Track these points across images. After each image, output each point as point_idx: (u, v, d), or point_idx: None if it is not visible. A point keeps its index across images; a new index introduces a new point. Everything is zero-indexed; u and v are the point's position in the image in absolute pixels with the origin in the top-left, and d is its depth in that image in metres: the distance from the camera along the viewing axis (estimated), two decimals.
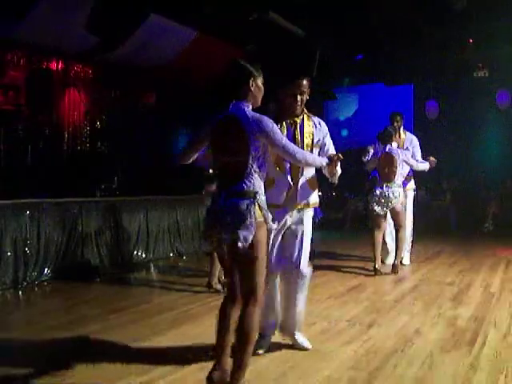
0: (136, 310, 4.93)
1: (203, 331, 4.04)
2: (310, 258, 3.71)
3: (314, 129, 3.64)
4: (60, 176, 9.12)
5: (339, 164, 3.39)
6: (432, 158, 6.93)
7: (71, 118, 10.87)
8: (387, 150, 6.56)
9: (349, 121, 14.94)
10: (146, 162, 11.22)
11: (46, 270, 6.16)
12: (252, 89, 2.88)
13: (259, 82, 2.92)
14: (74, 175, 9.29)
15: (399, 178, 6.62)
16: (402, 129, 7.30)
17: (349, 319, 4.45)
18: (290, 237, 3.63)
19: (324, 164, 3.31)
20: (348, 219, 12.84)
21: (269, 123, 2.79)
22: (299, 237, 3.61)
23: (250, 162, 2.75)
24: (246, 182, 2.75)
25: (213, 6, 8.90)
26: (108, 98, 11.42)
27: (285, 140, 2.91)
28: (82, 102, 11.06)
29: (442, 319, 4.48)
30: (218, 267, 5.46)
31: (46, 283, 6.08)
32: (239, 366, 2.73)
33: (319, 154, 3.64)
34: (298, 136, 3.57)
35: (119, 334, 4.11)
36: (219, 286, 5.51)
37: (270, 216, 2.82)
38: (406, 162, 6.67)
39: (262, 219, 2.76)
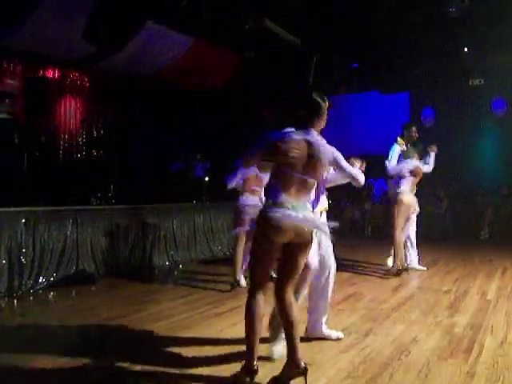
0: (131, 318, 4.90)
1: (199, 340, 4.04)
2: None
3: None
4: (56, 184, 9.10)
5: None
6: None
7: (67, 126, 10.88)
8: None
9: (345, 128, 14.96)
10: (141, 170, 11.21)
11: (41, 278, 6.14)
12: (322, 121, 3.29)
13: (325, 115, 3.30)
14: (70, 183, 9.28)
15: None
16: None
17: (345, 328, 4.43)
18: None
19: None
20: (345, 227, 12.82)
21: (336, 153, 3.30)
22: None
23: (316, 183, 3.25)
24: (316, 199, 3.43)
25: (209, 14, 8.92)
26: (104, 105, 11.42)
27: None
28: (78, 110, 11.07)
29: (439, 327, 4.47)
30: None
31: (41, 291, 6.05)
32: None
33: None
34: None
35: (113, 343, 4.10)
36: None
37: None
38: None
39: None
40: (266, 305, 3.19)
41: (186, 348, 3.89)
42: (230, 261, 7.06)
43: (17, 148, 9.43)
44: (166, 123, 11.89)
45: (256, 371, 3.14)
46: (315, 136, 3.20)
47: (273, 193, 3.15)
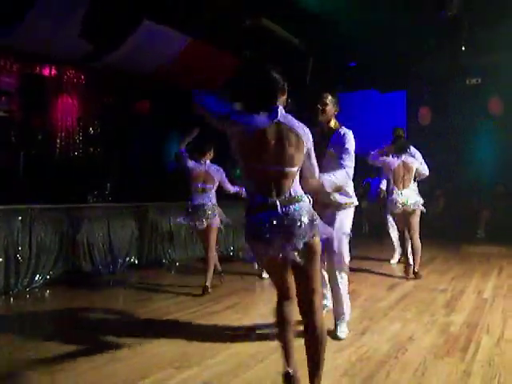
0: (128, 316, 4.90)
1: (191, 341, 4.03)
2: None
3: (332, 137, 3.99)
4: (52, 182, 9.08)
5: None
6: None
7: (64, 124, 10.83)
8: (403, 159, 6.81)
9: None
10: (138, 168, 11.19)
11: (37, 276, 6.13)
12: (284, 98, 2.88)
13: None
14: (67, 181, 9.25)
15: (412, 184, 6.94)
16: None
17: None
18: None
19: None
20: None
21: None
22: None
23: (297, 173, 2.80)
24: (296, 188, 2.76)
25: (207, 13, 8.91)
26: (101, 103, 11.39)
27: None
28: (75, 108, 11.03)
29: (435, 326, 4.47)
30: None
31: (37, 290, 6.04)
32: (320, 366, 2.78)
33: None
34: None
35: (108, 341, 4.09)
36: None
37: None
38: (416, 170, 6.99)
39: None
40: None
41: (182, 347, 3.90)
42: (227, 259, 7.08)
43: (13, 146, 9.41)
44: (164, 121, 11.85)
45: (292, 378, 2.80)
46: (290, 117, 2.82)
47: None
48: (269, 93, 2.82)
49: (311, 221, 2.69)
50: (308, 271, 2.74)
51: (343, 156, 3.79)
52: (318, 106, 4.04)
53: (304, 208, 2.70)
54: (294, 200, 2.70)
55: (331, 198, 3.97)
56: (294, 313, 2.90)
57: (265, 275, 6.45)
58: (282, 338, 2.90)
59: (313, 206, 2.81)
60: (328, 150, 3.89)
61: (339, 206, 4.04)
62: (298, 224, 2.64)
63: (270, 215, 2.65)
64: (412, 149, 7.37)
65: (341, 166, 3.70)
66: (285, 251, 2.67)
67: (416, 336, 4.15)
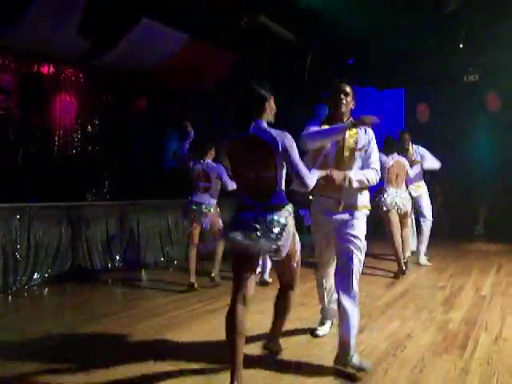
0: (125, 314, 4.90)
1: (190, 339, 4.04)
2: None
3: (358, 134, 3.57)
4: (51, 180, 9.07)
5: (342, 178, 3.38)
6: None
7: (62, 122, 10.82)
8: (396, 158, 6.90)
9: None
10: (137, 166, 11.17)
11: (35, 274, 6.14)
12: (267, 110, 3.05)
13: (272, 102, 3.09)
14: (65, 179, 9.24)
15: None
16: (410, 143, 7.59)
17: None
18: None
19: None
20: None
21: (291, 140, 2.97)
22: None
23: (278, 177, 2.99)
24: (279, 196, 3.01)
25: (205, 11, 8.89)
26: (99, 101, 11.37)
27: (300, 161, 3.02)
28: (73, 106, 11.01)
29: (434, 323, 4.48)
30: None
31: (35, 287, 6.05)
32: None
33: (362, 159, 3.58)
34: (341, 139, 3.51)
35: (106, 340, 4.09)
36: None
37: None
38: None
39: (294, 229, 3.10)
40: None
41: (178, 345, 3.90)
42: (227, 256, 7.03)
43: (12, 144, 9.40)
44: (162, 119, 11.84)
45: None
46: (263, 127, 2.99)
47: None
48: (247, 109, 3.04)
49: (287, 232, 2.96)
50: (285, 268, 3.28)
51: (371, 157, 3.57)
52: (342, 96, 3.58)
53: (281, 217, 2.95)
54: (272, 208, 2.96)
55: (353, 199, 3.56)
56: (246, 325, 3.04)
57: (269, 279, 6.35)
58: (232, 351, 2.93)
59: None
60: (358, 147, 3.55)
61: (359, 210, 3.59)
62: (275, 231, 2.91)
63: (250, 215, 2.96)
64: (420, 149, 7.45)
65: (369, 166, 3.55)
66: (258, 248, 2.95)
67: (414, 333, 4.16)
